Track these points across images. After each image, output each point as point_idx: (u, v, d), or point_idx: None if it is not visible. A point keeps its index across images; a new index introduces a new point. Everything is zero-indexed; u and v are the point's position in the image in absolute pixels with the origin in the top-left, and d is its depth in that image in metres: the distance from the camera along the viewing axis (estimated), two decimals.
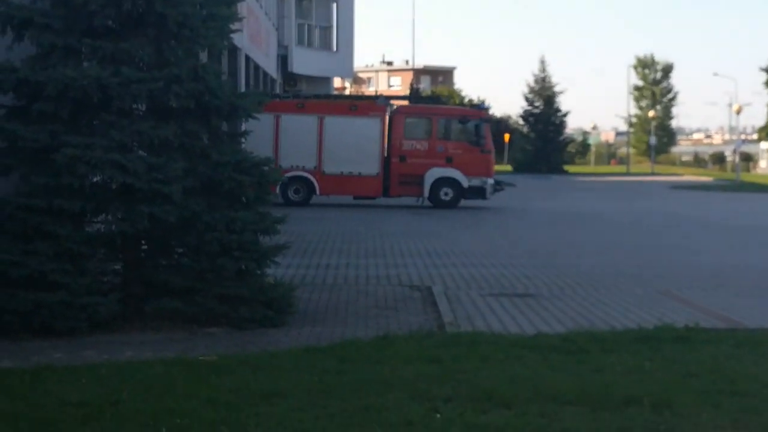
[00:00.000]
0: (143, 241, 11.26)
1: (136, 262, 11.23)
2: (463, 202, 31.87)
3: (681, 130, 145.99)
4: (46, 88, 10.49)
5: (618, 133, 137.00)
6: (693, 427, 7.11)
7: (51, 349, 9.67)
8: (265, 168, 11.31)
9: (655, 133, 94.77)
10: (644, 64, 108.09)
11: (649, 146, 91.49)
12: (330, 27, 49.22)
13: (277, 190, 29.61)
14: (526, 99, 77.20)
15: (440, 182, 31.60)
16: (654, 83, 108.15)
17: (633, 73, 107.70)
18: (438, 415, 7.25)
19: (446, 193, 31.67)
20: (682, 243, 22.38)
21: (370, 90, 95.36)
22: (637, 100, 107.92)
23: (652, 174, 77.64)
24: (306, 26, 47.23)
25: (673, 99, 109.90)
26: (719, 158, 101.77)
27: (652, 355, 9.38)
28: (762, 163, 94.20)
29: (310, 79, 48.14)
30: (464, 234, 23.53)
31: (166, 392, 7.74)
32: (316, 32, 48.12)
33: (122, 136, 10.64)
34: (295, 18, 45.92)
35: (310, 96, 34.73)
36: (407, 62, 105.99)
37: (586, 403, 7.54)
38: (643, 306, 12.78)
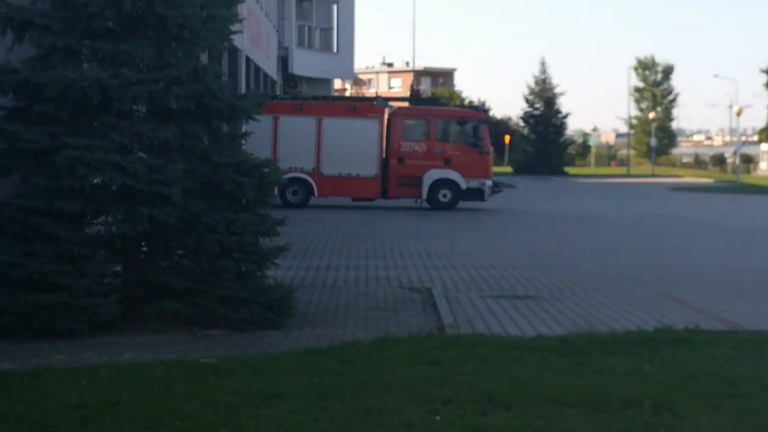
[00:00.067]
0: (143, 243, 11.26)
1: (136, 263, 11.23)
2: (462, 204, 31.88)
3: (681, 132, 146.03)
4: (47, 89, 10.49)
5: (618, 135, 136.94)
6: (693, 429, 7.11)
7: (51, 351, 9.67)
8: (266, 169, 11.31)
9: (656, 134, 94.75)
10: (644, 66, 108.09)
11: (649, 148, 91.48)
12: (330, 28, 49.24)
13: (276, 191, 29.61)
14: (527, 100, 77.21)
15: (438, 184, 31.60)
16: (654, 85, 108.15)
17: (633, 74, 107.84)
18: (438, 417, 7.25)
19: (444, 195, 31.67)
20: (682, 245, 22.37)
21: (370, 91, 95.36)
22: (638, 101, 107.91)
23: (653, 176, 77.61)
24: (306, 28, 47.24)
25: (673, 100, 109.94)
26: (720, 160, 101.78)
27: (652, 356, 9.38)
28: (762, 165, 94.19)
29: (311, 81, 48.14)
30: (464, 235, 23.53)
31: (166, 394, 7.74)
32: (317, 34, 48.13)
33: (122, 137, 10.64)
34: (296, 19, 45.92)
35: (308, 97, 34.70)
36: (408, 64, 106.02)
37: (586, 405, 7.54)
38: (643, 308, 12.78)
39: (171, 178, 10.58)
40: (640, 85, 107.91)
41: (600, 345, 9.87)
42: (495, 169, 34.16)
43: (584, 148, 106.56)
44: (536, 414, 7.35)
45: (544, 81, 76.93)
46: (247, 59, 33.10)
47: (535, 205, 35.93)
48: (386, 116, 32.13)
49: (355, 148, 31.11)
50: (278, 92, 42.15)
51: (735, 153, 73.40)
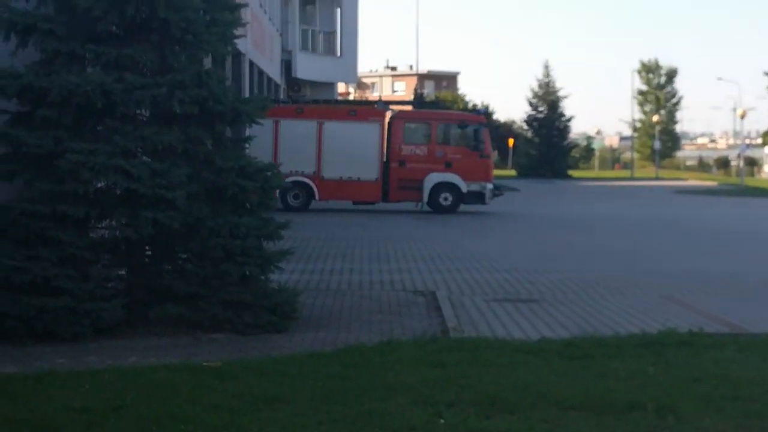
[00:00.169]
0: (147, 247, 11.26)
1: (140, 267, 11.24)
2: (463, 207, 31.89)
3: (685, 135, 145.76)
4: (50, 93, 10.50)
5: (622, 138, 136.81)
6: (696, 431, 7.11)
7: (54, 355, 9.68)
8: (269, 173, 11.32)
9: (660, 137, 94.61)
10: (648, 69, 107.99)
11: (653, 151, 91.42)
12: (334, 32, 49.25)
13: (276, 195, 29.64)
14: (530, 104, 77.23)
15: (439, 187, 31.63)
16: (658, 88, 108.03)
17: (637, 77, 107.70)
18: (441, 421, 7.25)
19: (445, 198, 31.70)
20: (685, 248, 22.36)
21: (374, 95, 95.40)
22: (641, 104, 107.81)
23: (657, 179, 77.58)
24: (310, 31, 47.24)
25: (677, 103, 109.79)
26: (724, 163, 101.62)
27: (656, 360, 9.37)
28: (766, 168, 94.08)
29: (314, 85, 48.15)
30: (468, 239, 23.52)
31: (169, 398, 7.74)
32: (320, 37, 48.13)
33: (126, 141, 10.66)
34: (299, 23, 45.91)
35: (309, 101, 34.71)
36: (411, 67, 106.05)
37: (590, 409, 7.53)
38: (647, 311, 12.78)
39: (175, 182, 10.60)
40: (644, 88, 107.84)
41: (604, 348, 9.86)
42: (499, 172, 34.15)
43: (588, 151, 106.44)
44: (540, 417, 7.35)
45: (547, 84, 76.97)
46: (251, 63, 33.11)
47: (539, 208, 35.93)
48: (387, 120, 32.16)
49: (355, 151, 31.14)
50: (282, 96, 42.16)
51: (739, 156, 73.34)
